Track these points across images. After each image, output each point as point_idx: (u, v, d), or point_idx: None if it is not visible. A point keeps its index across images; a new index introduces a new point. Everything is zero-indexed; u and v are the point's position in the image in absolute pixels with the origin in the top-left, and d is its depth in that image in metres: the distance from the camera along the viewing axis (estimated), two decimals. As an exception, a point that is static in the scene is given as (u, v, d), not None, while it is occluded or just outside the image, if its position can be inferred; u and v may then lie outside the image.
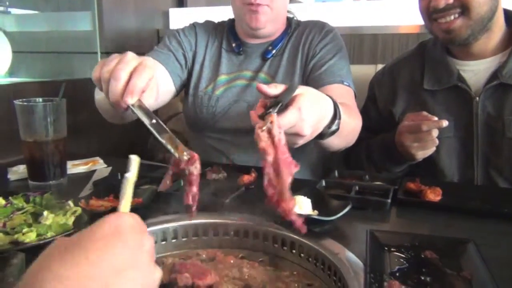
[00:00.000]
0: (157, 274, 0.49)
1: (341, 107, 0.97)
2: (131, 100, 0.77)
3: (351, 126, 1.11)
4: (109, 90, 0.79)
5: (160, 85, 1.33)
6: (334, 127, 0.93)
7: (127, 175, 0.54)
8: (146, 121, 0.76)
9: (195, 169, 0.74)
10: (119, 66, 0.78)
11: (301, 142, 0.83)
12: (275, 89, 0.79)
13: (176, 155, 0.73)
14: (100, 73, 0.81)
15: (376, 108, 1.48)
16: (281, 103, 0.75)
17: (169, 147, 0.74)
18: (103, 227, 0.45)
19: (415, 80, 1.38)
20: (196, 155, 0.74)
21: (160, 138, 0.74)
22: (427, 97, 1.35)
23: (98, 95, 1.20)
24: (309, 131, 0.80)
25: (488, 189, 1.24)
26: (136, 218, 0.50)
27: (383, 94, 1.46)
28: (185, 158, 0.73)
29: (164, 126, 0.76)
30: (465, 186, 1.26)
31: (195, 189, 0.74)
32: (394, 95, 1.42)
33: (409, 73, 1.41)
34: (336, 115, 0.92)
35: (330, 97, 0.94)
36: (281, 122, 0.73)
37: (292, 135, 0.79)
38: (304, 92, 0.81)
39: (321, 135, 0.93)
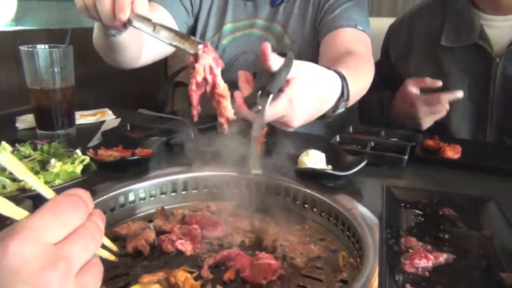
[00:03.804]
0: None
1: (349, 77, 0.87)
2: (124, 16, 0.74)
3: (361, 89, 1.04)
4: (99, 14, 0.78)
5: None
6: (340, 110, 0.85)
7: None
8: (147, 30, 0.73)
9: (210, 57, 0.70)
10: None
11: (291, 130, 0.77)
12: (274, 64, 0.66)
13: (190, 51, 0.70)
14: (83, 1, 0.79)
15: (389, 63, 1.40)
16: (272, 94, 0.66)
17: (177, 45, 0.71)
18: None
19: (433, 34, 1.29)
20: (207, 43, 0.70)
21: (166, 42, 0.71)
22: (443, 54, 1.27)
23: (94, 33, 1.14)
24: (298, 123, 0.73)
25: (510, 148, 1.19)
26: (36, 230, 0.31)
27: (397, 47, 1.38)
28: (199, 48, 0.69)
29: (168, 27, 0.73)
30: (485, 144, 1.21)
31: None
32: (409, 49, 1.34)
33: (427, 26, 1.32)
34: (343, 95, 0.83)
35: (339, 73, 0.84)
36: (269, 113, 0.67)
37: (281, 125, 0.74)
38: (300, 76, 0.71)
39: (324, 117, 0.85)
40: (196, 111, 0.71)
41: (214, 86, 0.70)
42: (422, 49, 1.32)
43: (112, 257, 0.43)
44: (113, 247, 0.43)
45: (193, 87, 0.69)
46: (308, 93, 0.73)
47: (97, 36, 1.09)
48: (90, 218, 0.35)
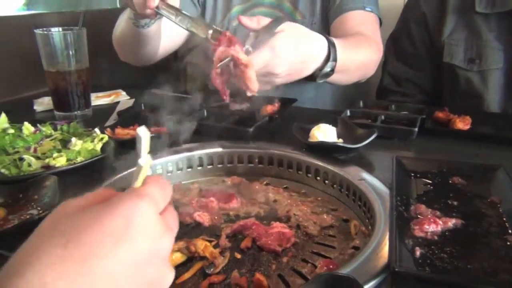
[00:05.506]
0: (169, 278, 0.38)
1: (342, 46, 0.96)
2: (153, 3, 0.83)
3: (358, 61, 1.08)
4: (133, 2, 0.86)
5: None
6: (327, 69, 0.95)
7: (140, 162, 0.40)
8: (171, 17, 0.85)
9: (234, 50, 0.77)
10: None
11: (278, 81, 0.87)
12: (255, 24, 0.85)
13: (201, 35, 0.83)
14: None
15: (425, 28, 1.34)
16: (258, 39, 0.83)
17: (192, 30, 0.84)
18: (113, 221, 0.33)
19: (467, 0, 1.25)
20: (225, 32, 0.79)
21: (184, 27, 0.84)
22: (478, 20, 1.22)
23: (119, 29, 1.17)
24: (282, 69, 0.84)
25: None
26: (156, 199, 0.37)
27: (432, 11, 1.32)
28: (209, 33, 0.82)
29: (186, 14, 0.85)
30: (496, 115, 1.21)
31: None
32: (443, 14, 1.29)
33: None
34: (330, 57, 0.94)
35: (327, 37, 0.94)
36: (254, 61, 0.77)
37: (266, 75, 0.84)
38: (285, 29, 0.84)
39: (313, 77, 0.96)
40: (225, 94, 0.82)
41: (237, 60, 0.75)
42: (456, 14, 1.27)
43: None
44: None
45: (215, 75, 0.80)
46: (293, 42, 0.85)
47: (124, 30, 1.13)
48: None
